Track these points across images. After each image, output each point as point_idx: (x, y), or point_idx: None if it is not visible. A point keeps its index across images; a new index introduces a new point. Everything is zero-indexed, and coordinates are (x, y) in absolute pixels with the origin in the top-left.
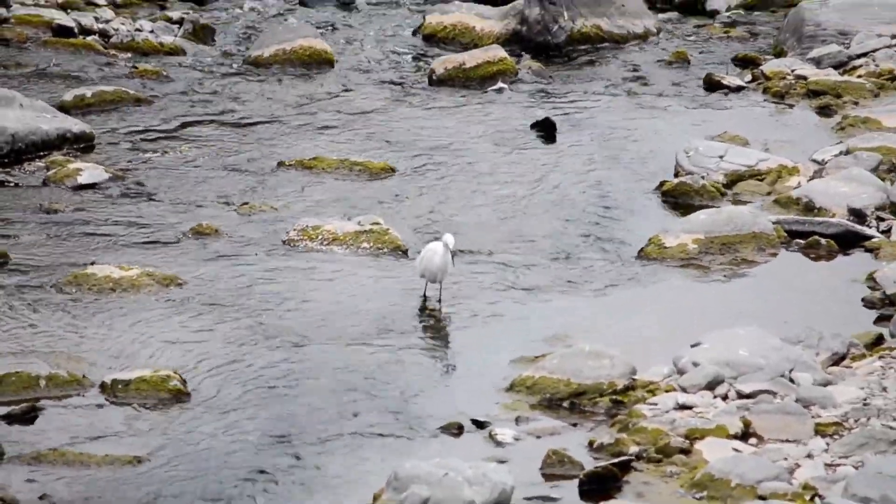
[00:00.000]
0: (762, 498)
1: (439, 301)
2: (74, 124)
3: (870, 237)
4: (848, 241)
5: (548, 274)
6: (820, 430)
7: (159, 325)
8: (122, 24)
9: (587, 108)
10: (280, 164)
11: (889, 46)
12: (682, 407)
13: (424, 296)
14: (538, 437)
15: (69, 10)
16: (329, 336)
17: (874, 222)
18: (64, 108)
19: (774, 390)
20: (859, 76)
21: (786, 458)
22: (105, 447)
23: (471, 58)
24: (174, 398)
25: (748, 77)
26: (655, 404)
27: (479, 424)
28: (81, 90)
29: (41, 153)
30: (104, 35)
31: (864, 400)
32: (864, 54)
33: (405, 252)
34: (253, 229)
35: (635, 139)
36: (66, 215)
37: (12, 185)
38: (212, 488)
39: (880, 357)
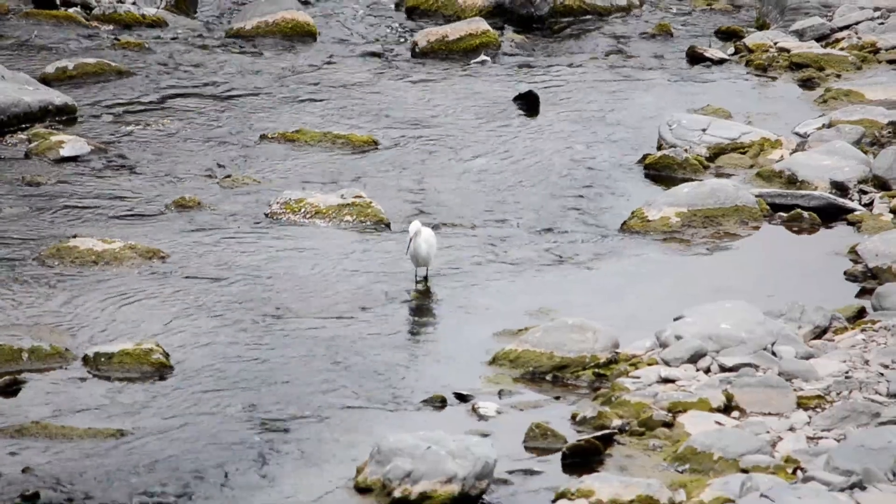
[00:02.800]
0: (744, 471)
1: (425, 279)
2: (57, 96)
3: (852, 210)
4: (830, 214)
5: (530, 247)
6: (802, 404)
7: (142, 298)
8: None
9: (570, 81)
10: (263, 136)
11: (871, 19)
12: (665, 380)
13: (415, 281)
14: (521, 410)
15: None
16: (312, 309)
17: (856, 195)
18: (46, 81)
19: (757, 364)
20: (842, 49)
21: (768, 432)
22: (88, 420)
23: (454, 30)
24: (157, 371)
25: (731, 50)
26: (638, 378)
27: (462, 398)
28: (63, 62)
29: (23, 125)
30: (86, 7)
31: (846, 373)
32: (847, 27)
33: (388, 225)
34: (236, 202)
35: (618, 112)
36: (48, 188)
37: None
38: (194, 461)
39: (862, 330)
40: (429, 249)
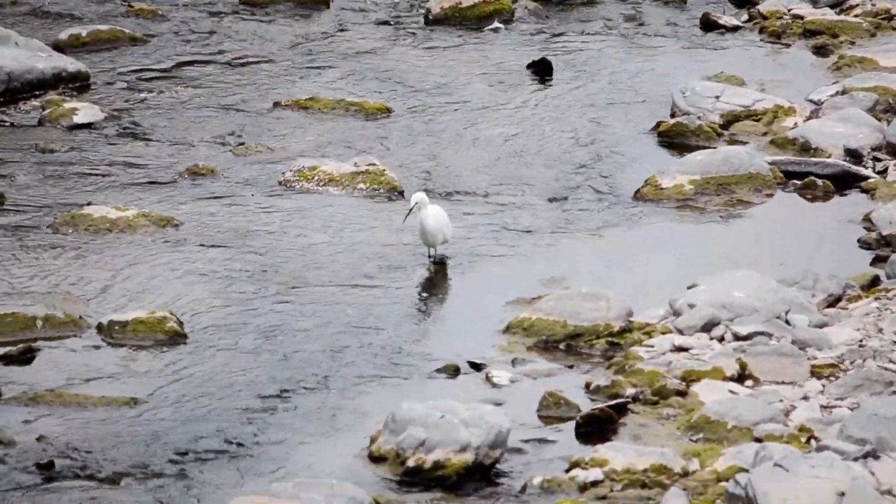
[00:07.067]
0: (758, 440)
1: (434, 259)
2: (70, 63)
3: (866, 177)
4: (844, 182)
5: (544, 215)
6: (816, 372)
7: (156, 266)
8: None
9: (584, 48)
10: (276, 104)
11: None
12: (679, 349)
13: (430, 258)
14: (534, 378)
15: None
16: (325, 277)
17: (870, 162)
18: (59, 47)
19: (770, 332)
20: (856, 15)
21: (782, 400)
22: (102, 388)
23: None
24: (171, 339)
25: (745, 17)
26: (652, 346)
27: (476, 366)
28: (77, 29)
29: (36, 92)
30: None
31: (860, 341)
32: None
33: (401, 193)
34: (249, 170)
35: (632, 79)
36: (61, 155)
37: (7, 124)
38: (208, 429)
39: (876, 298)
40: (437, 227)
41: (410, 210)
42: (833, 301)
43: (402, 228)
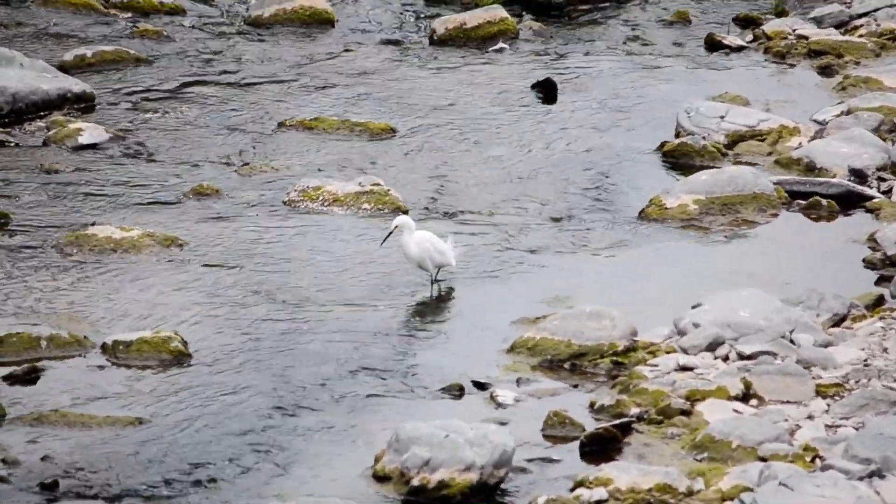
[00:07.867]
0: (763, 459)
1: (435, 281)
2: (75, 84)
3: (871, 197)
4: (849, 202)
5: (548, 235)
6: (820, 392)
7: (160, 285)
8: None
9: (588, 69)
10: (280, 124)
11: (891, 6)
12: (683, 368)
13: (433, 281)
14: (539, 398)
15: None
16: (330, 297)
17: (875, 182)
18: (64, 68)
19: (775, 351)
20: (861, 36)
21: (786, 420)
22: (106, 408)
23: (472, 17)
24: (175, 359)
25: (749, 37)
26: (656, 365)
27: (480, 386)
28: (82, 50)
29: (41, 113)
30: None
31: (865, 361)
32: (866, 14)
33: (406, 213)
34: (254, 190)
35: (636, 99)
36: (66, 175)
37: (12, 145)
38: (213, 449)
39: (881, 318)
40: (421, 254)
41: (390, 233)
42: (838, 321)
43: (377, 249)
